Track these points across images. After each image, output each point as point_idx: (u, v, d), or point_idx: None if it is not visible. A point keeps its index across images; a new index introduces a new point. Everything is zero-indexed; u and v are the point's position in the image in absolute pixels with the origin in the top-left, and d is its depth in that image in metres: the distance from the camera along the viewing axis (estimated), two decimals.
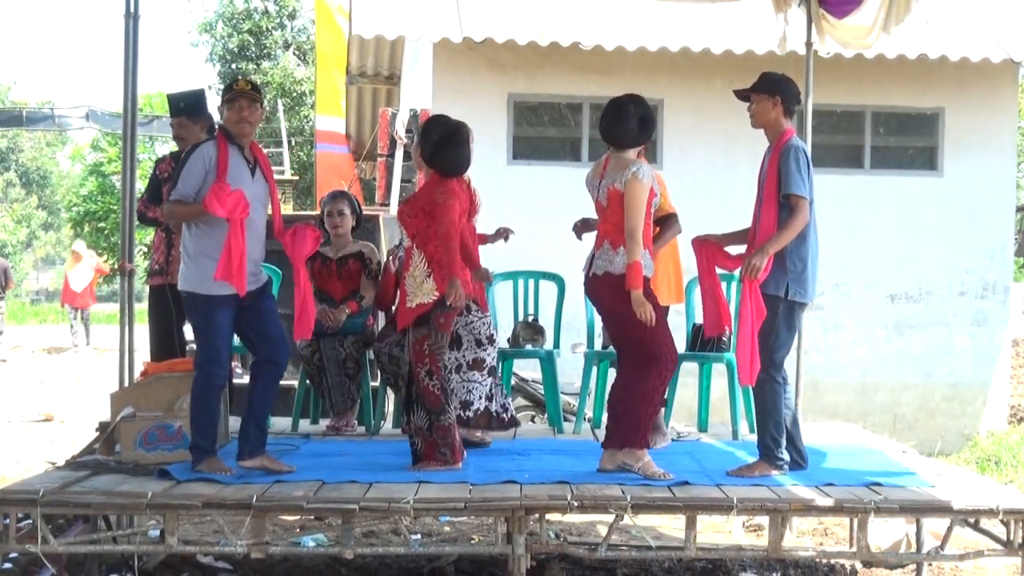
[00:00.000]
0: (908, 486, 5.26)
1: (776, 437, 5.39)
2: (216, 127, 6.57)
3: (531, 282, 7.28)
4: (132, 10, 6.45)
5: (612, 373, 5.80)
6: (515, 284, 7.27)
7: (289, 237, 5.43)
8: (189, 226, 5.32)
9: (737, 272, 5.54)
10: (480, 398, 6.10)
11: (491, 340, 6.16)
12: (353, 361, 6.74)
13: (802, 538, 7.11)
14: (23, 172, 52.89)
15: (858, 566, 6.31)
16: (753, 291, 5.22)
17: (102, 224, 30.06)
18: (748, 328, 5.19)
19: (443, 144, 5.62)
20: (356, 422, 6.89)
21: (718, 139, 10.85)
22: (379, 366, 6.63)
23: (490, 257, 7.16)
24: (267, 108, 5.66)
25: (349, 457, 5.85)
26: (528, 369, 8.54)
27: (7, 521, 4.90)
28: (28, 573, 5.56)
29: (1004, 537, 5.03)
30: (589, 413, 7.23)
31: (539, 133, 11.42)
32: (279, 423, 7.08)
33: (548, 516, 5.03)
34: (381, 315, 7.10)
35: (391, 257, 6.78)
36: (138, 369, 6.33)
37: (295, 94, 30.82)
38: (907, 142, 11.70)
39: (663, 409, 6.33)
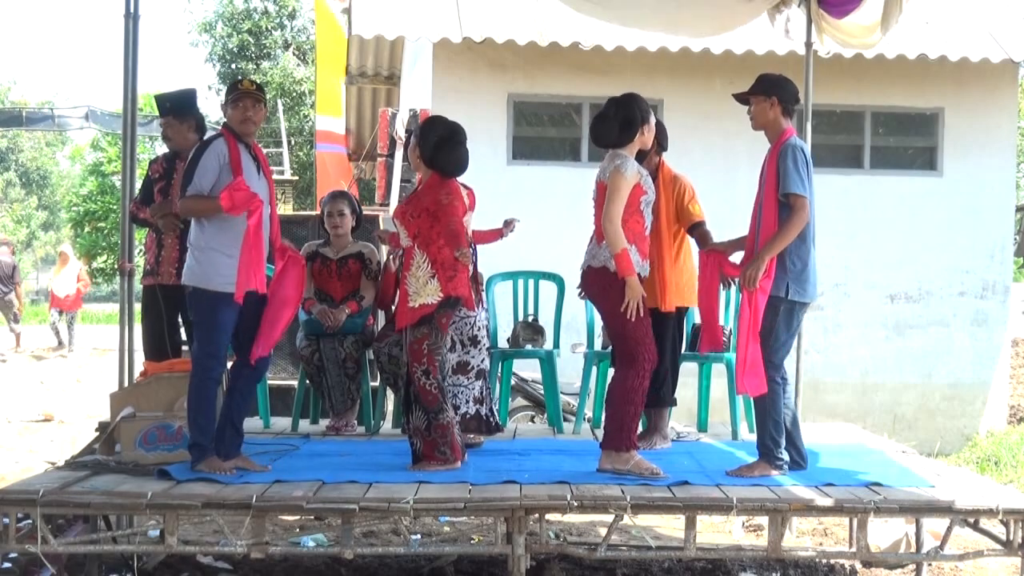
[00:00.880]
0: (908, 486, 5.25)
1: (776, 437, 5.39)
2: (203, 125, 6.57)
3: (531, 282, 7.29)
4: (132, 10, 6.45)
5: (612, 373, 5.80)
6: (515, 284, 7.27)
7: (278, 262, 5.41)
8: (200, 221, 5.29)
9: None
10: (468, 402, 6.11)
11: (473, 341, 6.16)
12: (353, 361, 6.74)
13: (802, 538, 7.11)
14: (23, 172, 52.87)
15: (858, 566, 6.31)
16: (752, 301, 5.22)
17: (102, 224, 30.07)
18: (745, 339, 5.19)
19: (443, 145, 5.60)
20: (356, 422, 6.89)
21: (718, 139, 10.84)
22: (379, 366, 6.63)
23: (490, 257, 7.17)
24: (267, 108, 5.64)
25: (349, 457, 5.85)
26: (528, 369, 8.54)
27: (7, 521, 4.90)
28: (28, 573, 5.56)
29: (1004, 537, 5.02)
30: (589, 413, 7.23)
31: (539, 133, 11.42)
32: (279, 423, 7.08)
33: (548, 516, 5.03)
34: (381, 315, 7.09)
35: (391, 257, 6.78)
36: (138, 369, 6.33)
37: (295, 94, 30.87)
38: (907, 142, 11.69)
39: (667, 411, 6.35)
